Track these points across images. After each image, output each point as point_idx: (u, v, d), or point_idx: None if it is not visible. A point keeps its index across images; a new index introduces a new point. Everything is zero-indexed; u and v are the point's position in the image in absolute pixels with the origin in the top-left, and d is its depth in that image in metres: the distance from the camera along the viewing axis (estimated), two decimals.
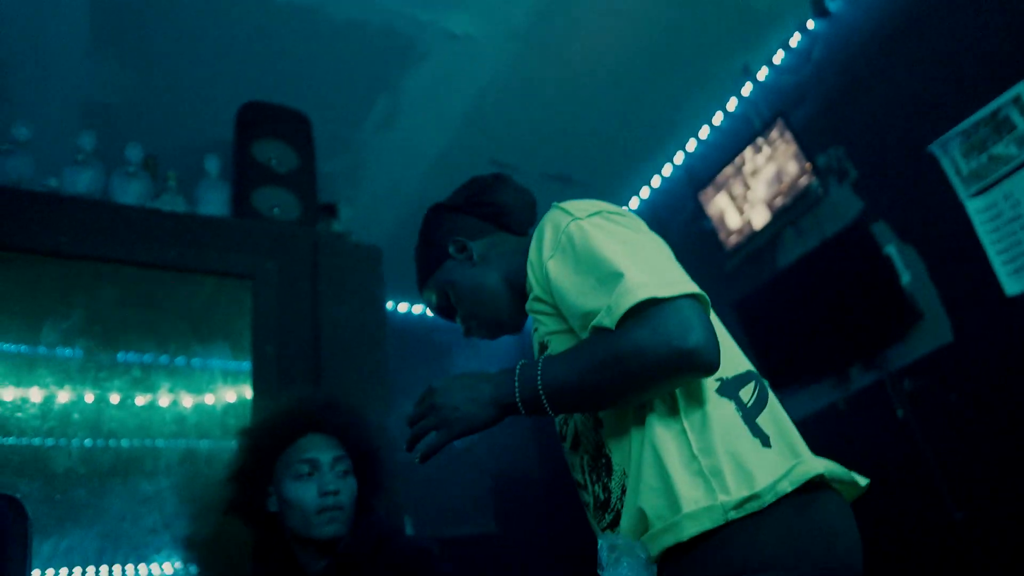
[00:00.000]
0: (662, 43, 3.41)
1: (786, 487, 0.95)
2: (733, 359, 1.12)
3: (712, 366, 0.97)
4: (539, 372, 1.07)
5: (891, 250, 2.98)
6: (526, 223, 1.44)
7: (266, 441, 1.75)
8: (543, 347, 1.21)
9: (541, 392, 1.07)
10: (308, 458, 1.69)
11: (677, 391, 1.06)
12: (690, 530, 0.95)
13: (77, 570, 1.96)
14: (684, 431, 1.03)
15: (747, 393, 1.08)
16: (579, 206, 1.17)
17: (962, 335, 2.74)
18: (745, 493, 0.94)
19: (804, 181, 3.33)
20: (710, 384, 1.07)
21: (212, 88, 3.19)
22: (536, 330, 1.24)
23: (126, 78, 3.09)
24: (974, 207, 2.67)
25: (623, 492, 1.08)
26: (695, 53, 3.51)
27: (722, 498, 0.94)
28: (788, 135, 3.39)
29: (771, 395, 1.12)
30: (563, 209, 1.18)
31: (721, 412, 1.05)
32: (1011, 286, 2.53)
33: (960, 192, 2.71)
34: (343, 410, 1.83)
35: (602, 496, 1.13)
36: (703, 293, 1.02)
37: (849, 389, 3.15)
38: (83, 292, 2.28)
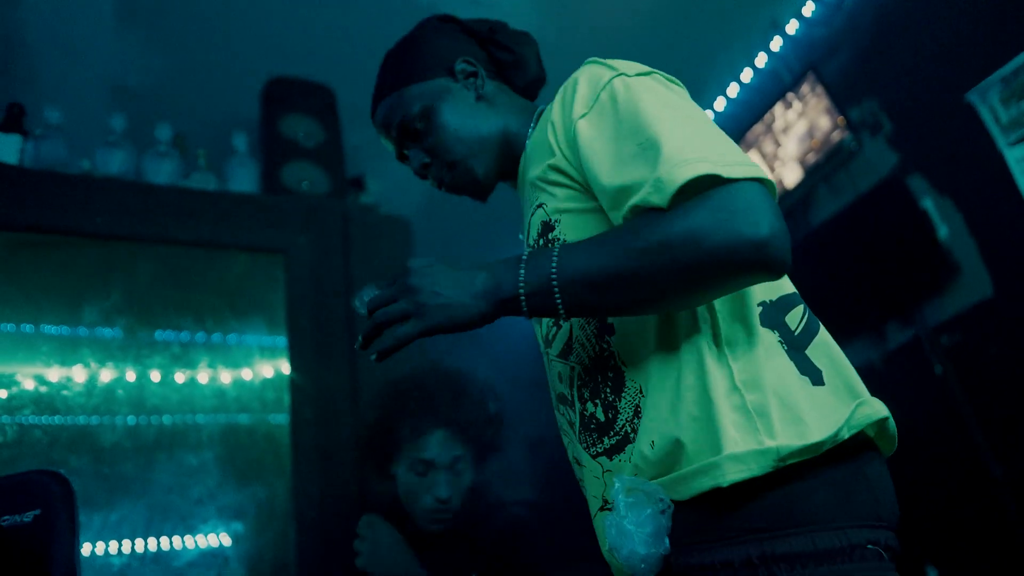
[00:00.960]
0: (687, 1, 3.34)
1: (844, 433, 0.82)
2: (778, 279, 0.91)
3: (784, 264, 0.79)
4: (555, 259, 0.86)
5: (928, 203, 2.92)
6: (533, 89, 1.26)
7: (387, 436, 1.77)
8: (548, 227, 1.00)
9: (555, 283, 0.85)
10: (426, 459, 1.71)
11: (717, 306, 0.89)
12: (734, 474, 0.79)
13: (127, 542, 2.03)
14: (725, 356, 0.87)
15: (794, 319, 0.92)
16: (625, 63, 0.97)
17: (1002, 289, 2.68)
18: (796, 440, 0.80)
19: (837, 136, 3.26)
20: (754, 306, 0.91)
21: (237, 65, 3.19)
22: (540, 207, 1.02)
23: (152, 58, 3.11)
24: (1014, 156, 2.59)
25: (635, 414, 0.90)
26: (721, 9, 3.43)
27: (770, 442, 0.79)
28: (820, 89, 3.31)
29: (820, 325, 0.95)
30: (604, 63, 0.99)
31: (766, 341, 0.88)
32: None
33: (999, 141, 2.63)
34: (465, 400, 1.80)
35: (601, 416, 0.95)
36: (771, 180, 0.83)
37: (886, 347, 3.11)
38: (120, 272, 2.33)
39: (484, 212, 4.50)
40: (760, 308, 0.91)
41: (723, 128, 0.93)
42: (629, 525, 0.83)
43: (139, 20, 2.97)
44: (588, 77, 0.98)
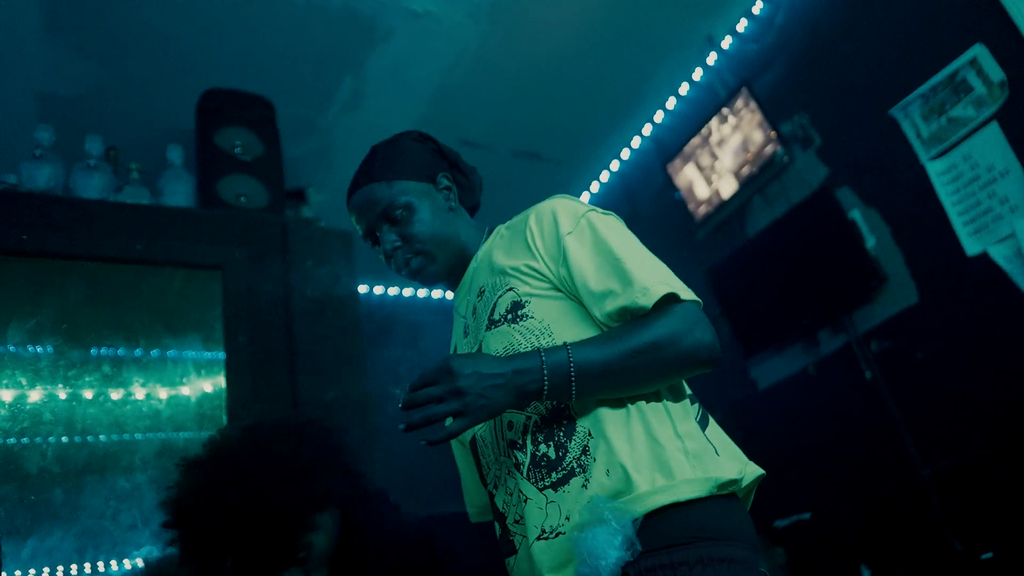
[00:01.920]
0: (626, 15, 3.40)
1: (745, 480, 1.16)
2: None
3: (719, 362, 1.15)
4: (570, 357, 1.10)
5: (856, 215, 3.03)
6: (472, 212, 1.51)
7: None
8: (518, 305, 1.24)
9: (572, 377, 1.10)
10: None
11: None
12: (687, 493, 1.07)
13: (60, 570, 1.96)
14: (669, 413, 1.16)
15: (696, 410, 1.23)
16: (584, 204, 1.29)
17: (926, 296, 2.79)
18: (723, 475, 1.11)
19: (770, 149, 3.36)
20: (685, 387, 1.24)
21: (172, 76, 3.13)
22: (510, 290, 1.26)
23: (83, 68, 3.03)
24: (934, 169, 2.71)
25: (583, 452, 1.14)
26: (659, 24, 3.50)
27: (711, 473, 1.10)
28: (753, 104, 3.41)
29: (710, 416, 1.26)
30: (571, 199, 1.30)
31: (690, 414, 1.20)
32: (971, 246, 2.58)
33: (921, 155, 2.75)
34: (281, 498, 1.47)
35: (552, 455, 1.16)
36: (699, 300, 1.18)
37: (819, 353, 3.20)
38: (51, 290, 2.26)
39: None
40: (687, 395, 1.24)
41: (663, 140, 1.27)
42: (608, 535, 1.03)
43: (69, 26, 2.88)
44: (564, 208, 1.27)
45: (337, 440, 1.65)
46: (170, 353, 2.36)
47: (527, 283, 1.24)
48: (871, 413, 2.93)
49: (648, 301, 1.12)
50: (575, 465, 1.14)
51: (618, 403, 1.16)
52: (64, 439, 2.12)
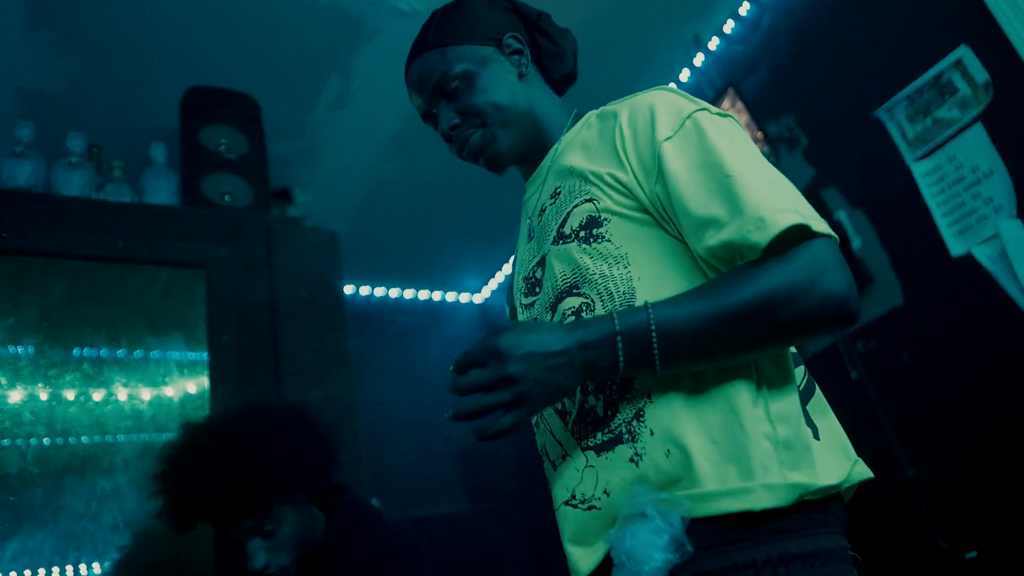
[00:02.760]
0: (613, 16, 3.40)
1: (846, 484, 0.95)
2: None
3: (858, 317, 0.89)
4: (651, 320, 0.87)
5: (842, 216, 3.04)
6: (564, 84, 1.29)
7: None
8: (595, 222, 1.01)
9: (655, 347, 0.87)
10: (229, 539, 1.59)
11: None
12: (766, 502, 0.85)
13: (41, 572, 1.93)
14: (763, 380, 0.93)
15: (799, 374, 1.00)
16: (693, 100, 1.02)
17: (912, 297, 2.81)
18: (814, 480, 0.89)
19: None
20: (788, 351, 0.99)
21: (156, 73, 3.10)
22: (590, 201, 1.03)
23: (65, 64, 2.99)
24: (920, 170, 2.72)
25: (637, 418, 0.93)
26: (646, 25, 3.51)
27: (795, 477, 0.88)
28: (739, 105, 3.42)
29: (817, 386, 1.04)
30: (682, 94, 1.04)
31: (794, 384, 0.96)
32: (956, 247, 2.59)
33: (906, 156, 2.76)
34: (244, 464, 1.54)
35: (600, 412, 0.96)
36: (837, 236, 0.92)
37: (805, 353, 3.21)
38: (31, 288, 2.23)
39: (414, 224, 4.49)
40: (791, 354, 0.99)
41: None
42: (650, 534, 0.86)
43: (51, 21, 2.85)
44: (667, 103, 1.01)
45: (325, 437, 1.69)
46: (153, 353, 2.34)
47: (610, 196, 1.01)
48: (857, 413, 2.94)
49: (764, 237, 0.86)
50: (624, 430, 0.93)
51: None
52: (45, 440, 2.09)
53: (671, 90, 1.05)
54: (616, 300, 0.97)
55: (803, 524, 0.87)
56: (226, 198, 2.65)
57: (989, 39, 2.49)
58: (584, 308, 1.00)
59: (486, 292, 5.38)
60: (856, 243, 2.97)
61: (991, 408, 2.49)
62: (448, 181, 3.78)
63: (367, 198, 4.14)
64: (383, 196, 4.11)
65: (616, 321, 0.88)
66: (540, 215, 1.13)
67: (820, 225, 0.88)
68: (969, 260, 2.54)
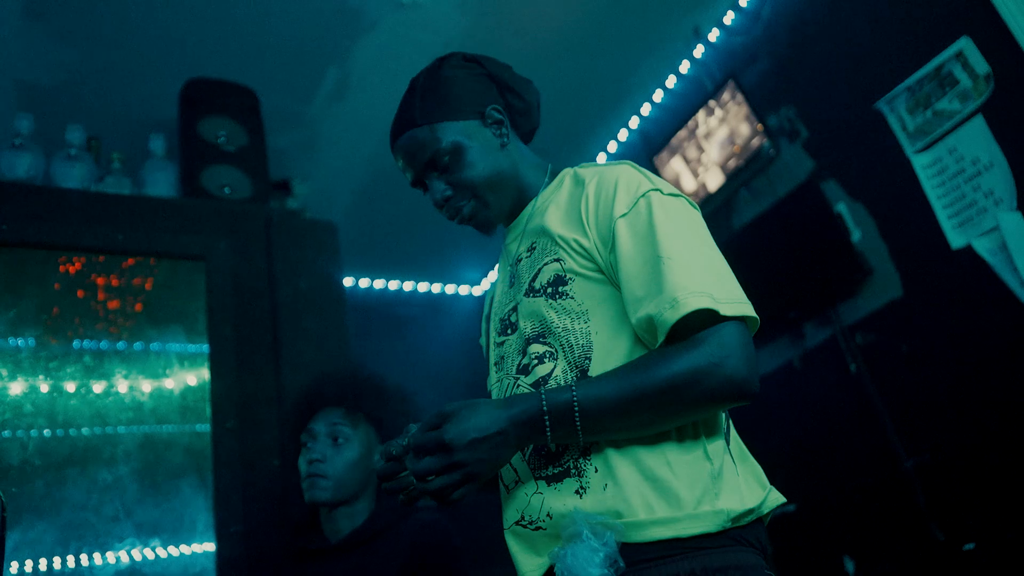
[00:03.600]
0: (613, 7, 3.39)
1: (764, 509, 1.05)
2: None
3: (755, 395, 0.99)
4: (574, 400, 1.00)
5: (842, 208, 3.04)
6: (531, 135, 1.41)
7: (289, 423, 1.89)
8: (561, 280, 1.14)
9: (578, 423, 0.99)
10: (308, 428, 1.79)
11: None
12: (691, 530, 0.97)
13: (43, 561, 1.94)
14: (699, 431, 1.05)
15: (723, 419, 1.11)
16: (656, 178, 1.15)
17: (911, 289, 2.81)
18: (737, 505, 1.00)
19: (756, 142, 3.36)
20: None
21: (155, 65, 3.09)
22: (557, 261, 1.15)
23: (63, 56, 2.98)
24: (920, 163, 2.72)
25: (584, 455, 1.04)
26: (646, 16, 3.50)
27: (721, 505, 0.99)
28: (739, 96, 3.41)
29: (733, 427, 1.14)
30: (642, 172, 1.15)
31: (722, 427, 1.09)
32: (956, 239, 2.59)
33: (906, 148, 2.76)
34: (353, 381, 1.87)
35: (552, 447, 1.07)
36: (755, 316, 1.03)
37: (804, 346, 3.22)
38: (31, 280, 2.22)
39: (409, 219, 4.49)
40: None
41: (650, 133, 1.10)
42: (588, 552, 0.96)
43: (49, 12, 2.84)
44: (627, 181, 1.13)
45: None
46: (153, 345, 2.34)
47: (573, 259, 1.13)
48: (855, 405, 2.95)
49: (673, 315, 0.98)
50: (571, 465, 1.05)
51: None
52: (46, 432, 2.09)
53: (634, 166, 1.17)
54: (576, 351, 1.10)
55: (724, 543, 0.98)
56: (225, 190, 2.65)
57: (990, 31, 2.48)
58: (547, 355, 1.13)
59: (485, 284, 5.38)
60: (856, 235, 2.98)
61: (989, 400, 2.50)
62: None
63: (366, 190, 4.13)
64: (382, 188, 4.10)
65: (544, 402, 1.00)
66: (517, 264, 1.25)
67: (732, 309, 0.99)
68: (969, 252, 2.55)
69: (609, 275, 1.11)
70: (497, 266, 1.40)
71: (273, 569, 1.84)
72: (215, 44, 3.09)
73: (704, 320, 0.98)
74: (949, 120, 2.61)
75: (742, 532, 1.00)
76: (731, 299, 1.00)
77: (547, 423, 1.00)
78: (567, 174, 1.28)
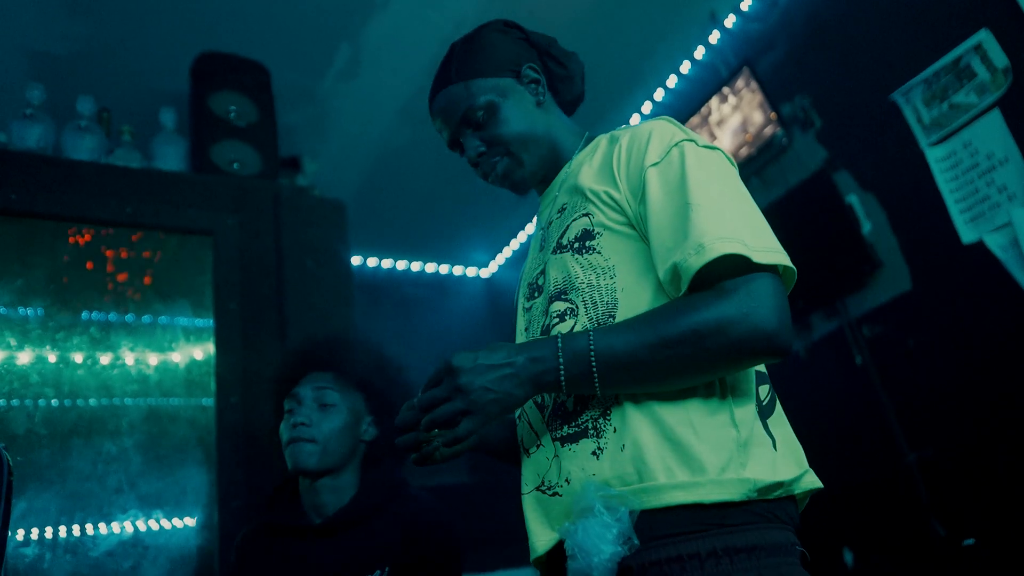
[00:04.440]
0: None
1: (795, 488, 0.99)
2: None
3: (788, 352, 0.93)
4: (591, 346, 0.95)
5: (853, 199, 3.01)
6: (573, 105, 1.39)
7: (274, 388, 1.79)
8: (589, 235, 1.10)
9: (594, 369, 0.95)
10: (293, 393, 1.70)
11: None
12: (714, 496, 0.90)
13: (48, 530, 1.96)
14: (727, 395, 0.99)
15: (764, 392, 1.06)
16: (692, 132, 1.11)
17: (920, 283, 2.79)
18: (767, 476, 0.94)
19: (769, 131, 3.33)
20: (753, 369, 1.06)
21: (167, 38, 3.08)
22: (586, 216, 1.12)
23: (76, 27, 2.98)
24: (934, 156, 2.69)
25: (604, 416, 1.00)
26: (663, 0, 3.46)
27: (747, 474, 0.93)
28: (754, 84, 3.38)
29: (778, 402, 1.09)
30: (677, 124, 1.12)
31: (756, 397, 1.03)
32: (967, 234, 2.57)
33: (921, 141, 2.73)
34: (343, 345, 1.80)
35: (571, 406, 1.04)
36: (792, 266, 0.97)
37: (811, 337, 3.20)
38: (40, 251, 2.24)
39: (418, 199, 4.47)
40: (755, 372, 1.05)
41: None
42: (600, 528, 0.91)
43: None
44: (661, 132, 1.09)
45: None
46: (160, 319, 2.35)
47: (603, 212, 1.09)
48: (860, 398, 2.94)
49: (698, 261, 0.92)
50: (589, 425, 1.00)
51: None
52: (53, 402, 2.11)
53: (670, 120, 1.13)
54: (599, 309, 1.05)
55: (750, 520, 0.92)
56: (235, 165, 2.65)
57: (1010, 23, 2.44)
58: (568, 313, 1.08)
59: (493, 267, 5.38)
60: (866, 227, 2.95)
61: (994, 397, 2.49)
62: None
63: (376, 168, 4.12)
64: (392, 166, 4.09)
65: (560, 343, 0.97)
66: (548, 227, 1.22)
67: (765, 256, 0.93)
68: (980, 248, 2.53)
69: (639, 228, 1.06)
70: (517, 246, 1.37)
71: (248, 537, 1.72)
72: (228, 18, 3.07)
73: (734, 269, 0.93)
74: (966, 113, 2.57)
75: (770, 506, 0.94)
76: (765, 247, 0.94)
77: (561, 366, 0.96)
78: (603, 137, 1.24)
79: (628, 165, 1.09)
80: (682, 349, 0.92)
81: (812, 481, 1.02)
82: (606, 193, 1.09)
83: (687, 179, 1.00)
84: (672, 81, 3.90)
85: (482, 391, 0.95)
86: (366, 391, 1.76)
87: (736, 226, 0.95)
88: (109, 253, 2.34)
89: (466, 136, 1.25)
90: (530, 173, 1.26)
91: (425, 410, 0.98)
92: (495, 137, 1.22)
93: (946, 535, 2.57)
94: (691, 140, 1.07)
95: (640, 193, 1.05)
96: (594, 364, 0.94)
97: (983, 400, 2.52)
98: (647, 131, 1.10)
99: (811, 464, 1.05)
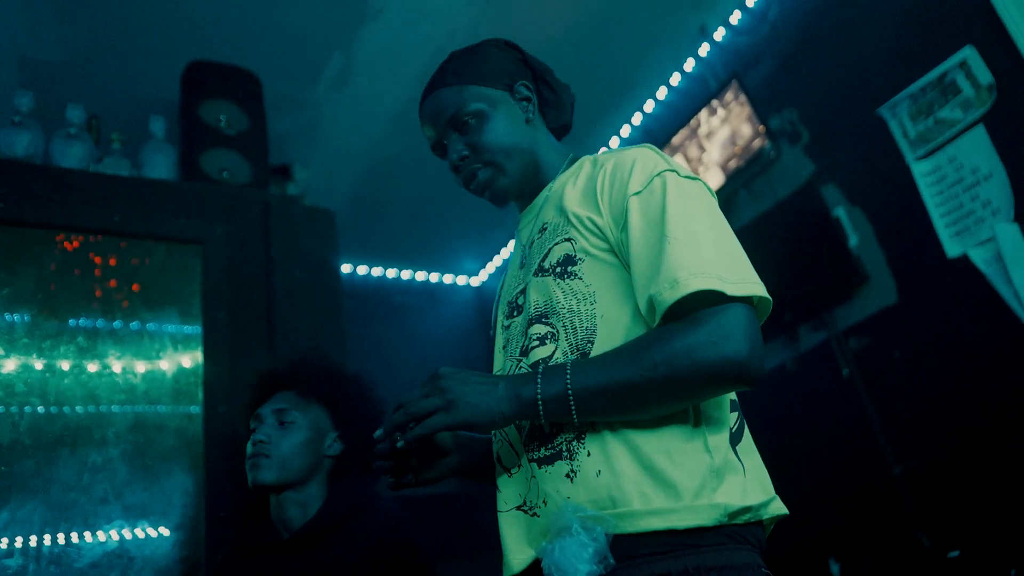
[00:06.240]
0: (620, 3, 3.38)
1: (764, 514, 1.01)
2: None
3: (758, 380, 0.96)
4: (568, 376, 0.98)
5: (840, 212, 3.04)
6: (560, 133, 1.40)
7: (245, 409, 1.83)
8: (571, 260, 1.11)
9: (570, 395, 0.98)
10: (255, 413, 1.75)
11: None
12: (687, 522, 0.93)
13: (32, 539, 1.94)
14: (701, 423, 1.01)
15: (733, 419, 1.08)
16: (675, 161, 1.13)
17: (906, 296, 2.81)
18: (737, 501, 0.96)
19: (757, 144, 3.36)
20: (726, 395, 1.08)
21: (158, 46, 3.08)
22: (568, 240, 1.13)
23: (65, 33, 2.97)
24: (920, 170, 2.72)
25: (577, 439, 1.02)
26: (653, 11, 3.49)
27: (719, 499, 0.95)
28: (742, 97, 3.40)
29: (747, 429, 1.11)
30: (660, 154, 1.13)
31: (726, 423, 1.05)
32: (952, 248, 2.60)
33: (907, 155, 2.76)
34: (305, 364, 1.83)
35: (547, 428, 1.05)
36: (767, 297, 0.99)
37: (798, 349, 3.22)
38: (27, 259, 2.22)
39: (408, 208, 4.47)
40: (728, 399, 1.08)
41: (653, 130, 1.09)
42: (577, 547, 0.92)
43: None
44: (644, 161, 1.11)
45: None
46: (148, 326, 2.34)
47: (586, 238, 1.11)
48: (847, 410, 2.96)
49: (672, 296, 0.95)
50: (564, 448, 1.02)
51: None
52: (39, 409, 2.10)
53: (653, 149, 1.14)
54: (579, 335, 1.07)
55: (720, 541, 0.95)
56: (224, 174, 2.64)
57: (994, 41, 2.48)
58: (548, 336, 1.10)
59: (483, 275, 5.38)
60: (853, 240, 2.98)
61: (979, 409, 2.51)
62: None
63: (366, 177, 4.13)
64: (383, 175, 4.10)
65: (539, 380, 1.00)
66: (530, 247, 1.23)
67: (739, 289, 0.96)
68: (964, 262, 2.55)
69: (621, 255, 1.08)
70: (508, 254, 1.38)
71: (222, 561, 1.77)
72: (219, 26, 3.07)
73: (708, 302, 0.95)
74: (951, 129, 2.60)
75: (738, 530, 0.97)
76: (739, 279, 0.97)
77: (539, 397, 0.99)
78: (587, 159, 1.26)
79: (611, 193, 1.10)
80: (654, 377, 0.94)
81: (778, 508, 1.05)
82: (589, 219, 1.11)
83: (667, 211, 1.03)
84: (662, 93, 3.93)
85: (461, 394, 1.00)
86: (329, 407, 1.78)
87: (712, 260, 0.97)
88: (97, 260, 2.33)
89: (451, 139, 1.26)
90: (512, 184, 1.26)
91: (402, 403, 1.02)
92: (480, 144, 1.23)
93: (931, 547, 2.58)
94: (673, 171, 1.09)
95: (622, 222, 1.07)
96: (572, 404, 0.97)
97: (968, 412, 2.54)
98: (631, 159, 1.12)
99: (798, 475, 1.09)
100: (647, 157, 1.12)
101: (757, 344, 0.95)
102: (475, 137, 1.23)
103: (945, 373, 2.63)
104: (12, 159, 2.29)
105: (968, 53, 2.54)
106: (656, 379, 0.94)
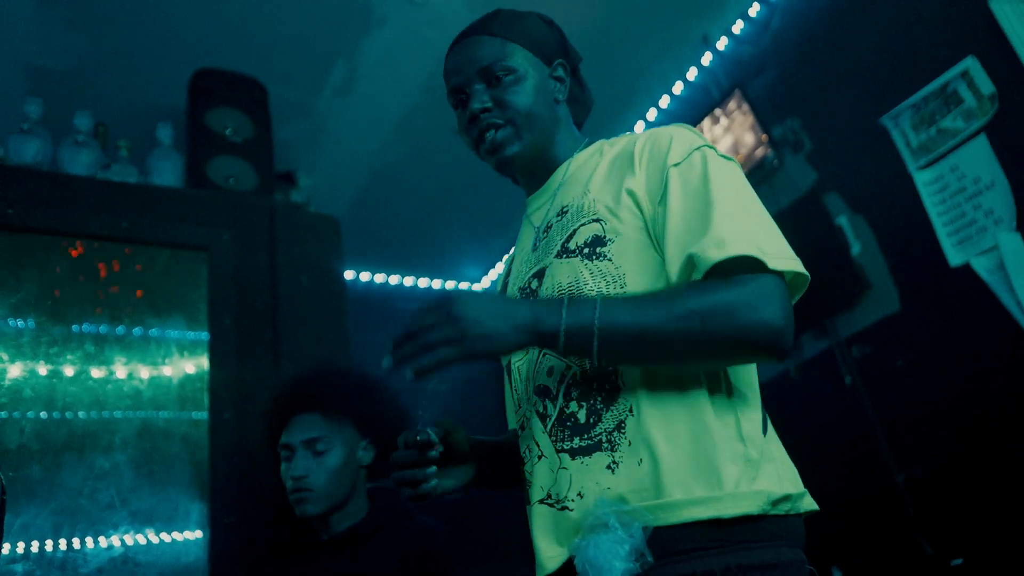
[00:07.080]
0: (623, 11, 3.40)
1: (801, 506, 1.00)
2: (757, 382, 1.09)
3: (787, 352, 0.94)
4: (597, 308, 0.93)
5: (843, 221, 3.05)
6: (580, 127, 1.38)
7: (265, 429, 1.84)
8: (600, 241, 1.08)
9: (596, 329, 0.92)
10: (284, 443, 1.75)
11: (732, 372, 1.03)
12: (733, 510, 0.90)
13: (35, 544, 1.95)
14: (735, 408, 1.00)
15: (761, 413, 1.07)
16: (703, 138, 1.12)
17: (908, 304, 2.82)
18: (778, 488, 0.95)
19: (760, 152, 3.37)
20: (757, 382, 1.07)
21: (165, 54, 3.10)
22: (597, 221, 1.09)
23: (74, 42, 2.99)
24: (922, 179, 2.73)
25: (618, 429, 0.98)
26: (656, 20, 3.50)
27: (761, 486, 0.93)
28: (745, 106, 3.42)
29: (770, 422, 1.09)
30: (694, 131, 1.13)
31: (760, 410, 1.04)
32: (954, 257, 2.60)
33: (909, 164, 2.77)
34: (325, 380, 1.84)
35: (582, 419, 1.01)
36: (805, 273, 0.99)
37: (801, 356, 3.23)
38: (35, 265, 2.24)
39: (416, 211, 4.48)
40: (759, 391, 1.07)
41: None
42: (612, 544, 0.89)
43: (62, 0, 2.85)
44: (681, 137, 1.10)
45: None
46: (152, 332, 2.35)
47: (617, 216, 1.07)
48: (849, 418, 2.96)
49: (717, 255, 0.93)
50: (604, 439, 0.99)
51: (678, 384, 0.99)
52: (44, 415, 2.11)
53: (689, 127, 1.14)
54: None
55: (762, 537, 0.92)
56: (230, 181, 2.66)
57: (996, 51, 2.49)
58: None
59: (486, 281, 5.39)
60: (855, 249, 2.99)
61: (981, 417, 2.51)
62: (452, 169, 3.79)
63: (370, 184, 4.14)
64: (386, 182, 4.11)
65: (566, 302, 0.95)
66: (546, 230, 1.19)
67: (779, 263, 0.95)
68: (967, 270, 2.56)
69: (654, 231, 1.05)
70: (509, 255, 1.34)
71: (259, 560, 1.82)
72: (225, 34, 3.09)
73: (747, 269, 0.94)
74: (953, 138, 2.61)
75: (781, 522, 0.95)
76: (779, 254, 0.96)
77: (563, 322, 0.94)
78: (604, 142, 1.24)
79: (649, 165, 1.09)
80: (688, 325, 0.91)
81: (811, 503, 1.03)
82: (627, 192, 1.08)
83: (709, 181, 1.01)
84: (665, 102, 3.94)
85: (474, 322, 0.92)
86: (355, 419, 1.80)
87: (754, 230, 0.97)
88: (103, 266, 2.35)
89: (477, 89, 1.20)
90: (523, 153, 1.21)
91: (410, 333, 0.94)
92: (507, 101, 1.18)
93: (934, 554, 2.58)
94: (711, 147, 1.08)
95: (660, 193, 1.05)
96: (596, 333, 0.92)
97: (971, 420, 2.55)
98: (668, 134, 1.11)
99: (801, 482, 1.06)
100: (684, 133, 1.11)
101: (791, 317, 0.94)
102: (503, 93, 1.18)
103: (947, 381, 2.64)
104: (21, 166, 2.31)
105: (970, 63, 2.55)
106: (687, 330, 0.91)
